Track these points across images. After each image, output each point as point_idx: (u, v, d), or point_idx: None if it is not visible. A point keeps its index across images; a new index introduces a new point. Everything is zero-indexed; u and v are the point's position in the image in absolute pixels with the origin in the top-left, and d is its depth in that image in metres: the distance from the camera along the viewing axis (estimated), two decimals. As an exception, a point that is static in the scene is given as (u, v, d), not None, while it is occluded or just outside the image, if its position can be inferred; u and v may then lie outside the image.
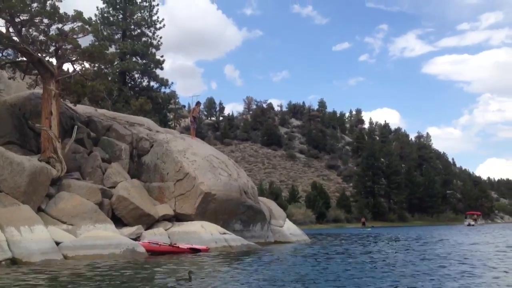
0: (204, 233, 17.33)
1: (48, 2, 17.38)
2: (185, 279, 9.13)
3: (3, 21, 17.12)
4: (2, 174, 14.65)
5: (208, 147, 22.76)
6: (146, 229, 17.37)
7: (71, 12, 18.15)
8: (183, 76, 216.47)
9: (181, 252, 15.77)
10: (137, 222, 17.33)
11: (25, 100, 19.55)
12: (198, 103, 25.05)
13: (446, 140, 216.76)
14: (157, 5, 47.24)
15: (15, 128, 18.61)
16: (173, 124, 76.91)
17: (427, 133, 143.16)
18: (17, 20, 17.17)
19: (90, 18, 18.56)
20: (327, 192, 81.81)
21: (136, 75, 45.75)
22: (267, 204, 23.50)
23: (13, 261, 12.56)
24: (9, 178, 14.68)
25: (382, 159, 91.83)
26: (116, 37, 45.45)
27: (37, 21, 17.57)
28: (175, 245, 16.13)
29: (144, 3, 46.72)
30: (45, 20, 17.69)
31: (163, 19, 46.76)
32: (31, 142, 18.81)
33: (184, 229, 17.65)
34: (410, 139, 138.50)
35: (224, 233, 17.86)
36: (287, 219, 24.20)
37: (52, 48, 18.63)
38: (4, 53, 18.59)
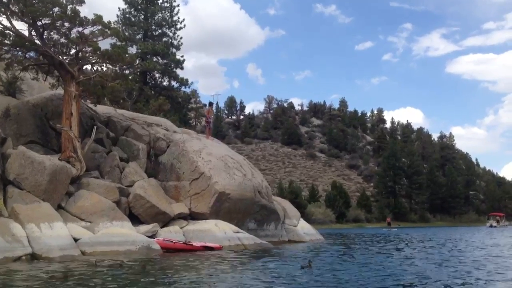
0: (218, 231, 17.73)
1: (69, 7, 17.93)
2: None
3: (26, 24, 17.77)
4: (23, 173, 15.30)
5: (223, 147, 23.15)
6: (162, 227, 17.85)
7: (93, 14, 18.76)
8: (206, 75, 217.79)
9: (195, 250, 16.19)
10: (153, 220, 17.81)
11: (47, 101, 20.21)
12: (210, 104, 25.45)
13: (470, 140, 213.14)
14: (178, 5, 47.97)
15: (37, 128, 19.27)
16: (194, 123, 77.76)
17: (450, 133, 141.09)
18: (39, 23, 17.80)
19: (109, 22, 19.00)
20: (347, 192, 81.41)
21: (157, 75, 46.40)
22: (282, 204, 23.79)
23: (33, 256, 13.17)
24: (30, 177, 15.31)
25: (403, 159, 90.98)
26: (137, 37, 46.21)
27: (58, 24, 18.19)
28: (189, 243, 16.57)
29: (165, 4, 47.44)
30: (66, 24, 18.30)
31: (183, 20, 47.43)
32: (53, 142, 19.44)
33: (199, 227, 18.09)
34: (432, 139, 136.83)
35: (238, 232, 18.24)
36: (301, 219, 24.44)
37: (72, 51, 19.28)
38: (27, 55, 19.21)
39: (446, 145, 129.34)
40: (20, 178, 15.26)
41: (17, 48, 18.34)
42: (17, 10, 17.27)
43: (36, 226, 13.97)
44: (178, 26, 47.32)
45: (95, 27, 18.86)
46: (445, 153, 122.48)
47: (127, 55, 20.36)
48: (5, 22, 17.30)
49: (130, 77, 40.09)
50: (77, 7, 18.28)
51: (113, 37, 19.62)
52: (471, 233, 39.13)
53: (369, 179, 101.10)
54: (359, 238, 29.20)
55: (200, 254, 15.54)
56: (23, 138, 18.48)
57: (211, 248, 16.41)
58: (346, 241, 25.41)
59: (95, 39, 19.03)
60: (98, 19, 18.57)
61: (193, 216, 19.09)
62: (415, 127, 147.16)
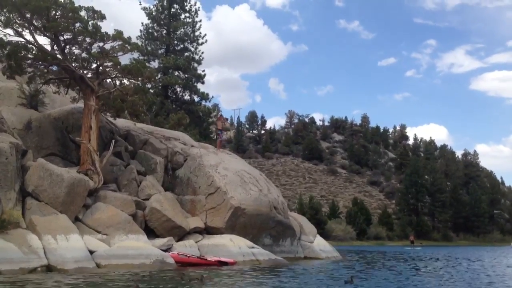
0: (233, 246, 17.70)
1: (90, 22, 18.32)
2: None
3: (48, 39, 18.20)
4: (42, 185, 15.53)
5: (240, 162, 23.18)
6: (177, 241, 17.90)
7: (114, 30, 19.14)
8: (228, 89, 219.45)
9: (209, 265, 16.17)
10: (169, 234, 17.88)
11: (68, 114, 20.58)
12: (220, 116, 25.66)
13: (495, 158, 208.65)
14: (200, 21, 48.42)
15: (58, 140, 19.61)
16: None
17: (475, 151, 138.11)
18: (61, 38, 18.23)
19: (129, 37, 19.34)
20: (369, 209, 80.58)
21: (178, 89, 46.82)
22: (298, 220, 23.64)
23: (48, 268, 13.31)
24: (48, 189, 15.53)
25: (426, 176, 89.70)
26: (159, 52, 46.83)
27: (79, 39, 18.58)
28: (203, 258, 16.57)
29: (188, 20, 47.99)
30: (87, 39, 18.65)
31: (205, 35, 47.84)
32: (73, 154, 19.74)
33: (214, 242, 18.09)
34: (456, 156, 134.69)
35: (252, 247, 18.18)
36: (318, 235, 24.21)
37: (93, 65, 19.64)
38: (49, 69, 19.62)
39: (470, 162, 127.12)
40: (38, 190, 15.48)
41: (40, 62, 18.77)
42: (40, 25, 17.71)
43: (52, 238, 14.14)
44: (200, 41, 47.75)
45: (115, 42, 19.20)
46: (469, 171, 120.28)
47: (146, 70, 20.62)
48: (28, 36, 17.79)
49: (151, 91, 40.94)
50: (99, 23, 18.68)
51: (132, 52, 19.80)
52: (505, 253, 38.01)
53: (390, 196, 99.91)
54: (385, 256, 28.49)
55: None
56: (43, 151, 18.81)
57: (225, 263, 16.37)
58: (374, 260, 24.46)
59: (115, 54, 19.36)
60: (118, 35, 18.92)
61: (208, 231, 19.11)
62: (439, 143, 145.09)
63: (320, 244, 23.51)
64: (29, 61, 18.57)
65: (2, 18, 17.15)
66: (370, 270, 17.35)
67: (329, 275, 14.96)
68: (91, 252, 14.78)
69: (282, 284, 11.77)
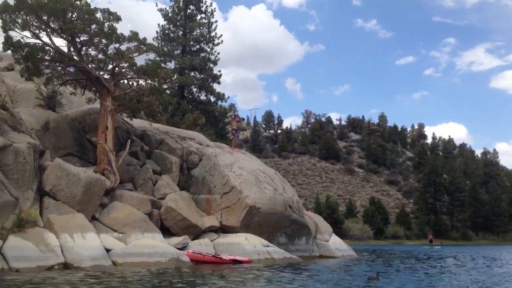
0: (248, 245, 17.78)
1: (106, 24, 18.54)
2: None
3: (65, 41, 18.48)
4: (59, 184, 15.78)
5: (255, 161, 23.23)
6: (192, 240, 18.04)
7: (129, 31, 19.37)
8: (245, 89, 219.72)
9: (224, 263, 16.25)
10: (184, 233, 18.02)
11: (85, 115, 20.86)
12: (234, 116, 25.75)
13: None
14: (216, 21, 48.64)
15: (75, 140, 19.91)
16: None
17: (494, 149, 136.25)
18: (77, 40, 18.49)
19: (144, 38, 19.53)
20: (386, 208, 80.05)
21: (194, 89, 47.11)
22: (313, 219, 23.61)
23: (65, 266, 13.53)
24: (65, 188, 15.78)
25: (445, 175, 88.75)
26: (176, 52, 47.17)
27: (96, 41, 18.81)
28: (218, 256, 16.66)
29: (203, 20, 48.24)
30: (103, 40, 18.88)
31: (221, 35, 48.04)
32: (90, 154, 20.02)
33: (229, 240, 18.19)
34: (476, 155, 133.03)
35: (267, 246, 18.24)
36: (333, 234, 24.15)
37: (109, 67, 19.87)
38: (65, 71, 19.91)
39: (489, 161, 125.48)
40: (55, 190, 15.73)
41: (57, 64, 19.06)
42: (56, 27, 17.99)
43: (69, 236, 14.34)
44: (216, 41, 47.95)
45: (131, 43, 19.41)
46: (488, 169, 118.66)
47: (162, 70, 20.81)
48: (45, 38, 18.09)
49: (168, 92, 41.25)
50: (114, 24, 18.90)
51: (148, 53, 19.99)
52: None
53: (408, 196, 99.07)
54: (405, 255, 28.10)
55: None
56: (61, 151, 19.11)
57: (240, 262, 16.44)
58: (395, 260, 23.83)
59: (131, 55, 19.56)
60: (134, 36, 19.13)
61: (223, 229, 19.21)
62: (458, 142, 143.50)
63: (335, 243, 23.45)
64: (46, 63, 18.88)
65: (20, 20, 17.47)
66: (390, 268, 17.29)
67: (348, 273, 15.00)
68: (108, 251, 14.96)
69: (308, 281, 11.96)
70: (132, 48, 19.57)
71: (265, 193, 19.40)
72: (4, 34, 17.96)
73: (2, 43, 18.32)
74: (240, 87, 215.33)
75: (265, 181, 20.11)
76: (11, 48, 18.26)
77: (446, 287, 11.95)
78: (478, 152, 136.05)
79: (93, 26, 18.30)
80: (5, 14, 17.30)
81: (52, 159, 17.06)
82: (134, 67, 19.63)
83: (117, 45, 19.32)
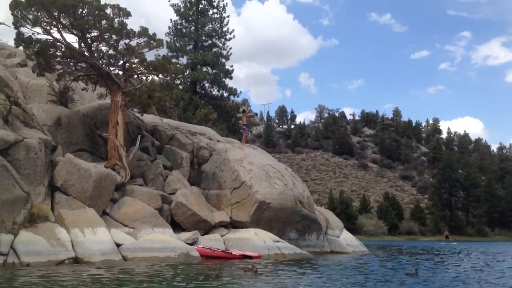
0: (258, 240, 17.76)
1: (116, 20, 18.59)
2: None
3: (76, 37, 18.57)
4: (70, 180, 15.91)
5: (265, 156, 23.17)
6: (203, 235, 18.08)
7: (139, 26, 19.40)
8: (258, 84, 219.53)
9: (233, 258, 16.26)
10: (195, 228, 18.07)
11: (96, 110, 20.97)
12: (243, 111, 25.67)
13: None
14: (228, 17, 48.59)
15: (87, 136, 20.02)
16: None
17: (510, 144, 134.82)
18: (88, 36, 18.56)
19: (154, 34, 19.54)
20: (400, 203, 79.49)
21: (206, 85, 47.15)
22: (324, 214, 23.52)
23: (76, 260, 13.64)
24: (76, 183, 15.90)
25: (460, 171, 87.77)
26: (188, 48, 47.23)
27: (106, 37, 18.87)
28: (227, 251, 16.68)
29: (215, 15, 48.24)
30: (114, 36, 18.94)
31: (233, 30, 47.98)
32: (101, 150, 20.12)
33: (239, 235, 18.20)
34: (491, 150, 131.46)
35: (277, 241, 18.21)
36: (344, 230, 24.04)
37: (120, 62, 19.94)
38: (77, 67, 20.03)
39: (505, 156, 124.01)
40: (67, 185, 15.85)
41: (68, 60, 19.17)
42: (67, 23, 18.08)
43: (80, 231, 14.46)
44: (228, 36, 47.93)
45: (141, 39, 19.44)
46: (504, 165, 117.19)
47: (172, 66, 20.83)
48: (56, 34, 18.19)
49: (180, 87, 41.31)
50: (124, 20, 18.93)
51: (158, 49, 20.00)
52: None
53: (423, 191, 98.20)
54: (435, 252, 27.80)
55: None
56: (73, 146, 19.23)
57: (249, 257, 16.43)
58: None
59: (141, 51, 19.60)
60: (144, 31, 19.15)
61: (234, 225, 19.23)
62: (474, 137, 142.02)
63: (346, 239, 23.35)
64: (58, 59, 19.00)
65: (31, 16, 17.62)
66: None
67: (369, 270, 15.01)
68: (118, 245, 15.04)
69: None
70: (142, 43, 19.60)
71: (275, 188, 19.36)
72: (16, 30, 18.13)
73: (14, 39, 18.47)
74: (253, 82, 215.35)
75: (275, 176, 20.07)
76: (23, 44, 18.45)
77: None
78: (494, 147, 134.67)
79: (103, 22, 18.34)
80: (17, 11, 17.44)
81: (64, 154, 17.20)
82: (145, 63, 19.67)
83: (127, 41, 19.36)
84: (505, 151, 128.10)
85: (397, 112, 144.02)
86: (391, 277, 12.39)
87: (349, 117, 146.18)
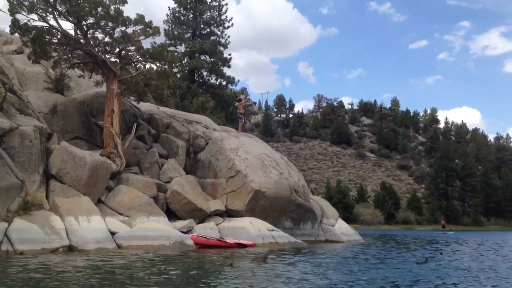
0: (252, 229, 17.82)
1: (112, 7, 18.46)
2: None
3: (72, 24, 18.46)
4: (65, 168, 15.91)
5: (261, 145, 23.18)
6: (198, 223, 18.11)
7: (135, 14, 19.28)
8: (257, 73, 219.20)
9: (228, 247, 16.32)
10: (190, 216, 18.10)
11: (92, 98, 20.91)
12: (239, 100, 25.63)
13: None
14: (226, 4, 48.22)
15: (83, 124, 20.00)
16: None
17: (507, 134, 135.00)
18: (83, 23, 18.44)
19: (150, 21, 19.41)
20: (397, 193, 79.81)
21: (204, 73, 46.93)
22: (319, 203, 23.58)
23: (70, 248, 13.65)
24: (71, 171, 15.89)
25: (457, 160, 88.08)
26: (186, 36, 46.94)
27: (102, 24, 18.75)
28: (222, 240, 16.74)
29: (214, 3, 47.88)
30: (110, 24, 18.81)
31: (231, 18, 47.64)
32: (97, 138, 20.09)
33: (234, 224, 18.26)
34: (488, 140, 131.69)
35: (272, 230, 18.26)
36: (339, 219, 24.12)
37: (116, 50, 19.83)
38: (73, 54, 19.92)
39: (502, 146, 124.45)
40: (62, 173, 15.85)
41: (64, 47, 19.06)
42: (63, 10, 17.96)
43: (74, 219, 14.45)
44: (226, 25, 47.61)
45: (137, 26, 19.32)
46: (501, 155, 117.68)
47: (168, 54, 20.75)
48: (52, 22, 18.06)
49: (178, 75, 41.17)
50: (120, 7, 18.78)
51: (154, 36, 19.88)
52: None
53: (420, 181, 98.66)
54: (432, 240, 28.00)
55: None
56: (68, 134, 19.23)
57: (244, 246, 16.50)
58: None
59: (137, 38, 19.50)
60: (140, 19, 19.03)
61: (229, 213, 19.28)
62: (471, 127, 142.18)
63: (341, 228, 23.44)
64: (54, 46, 18.89)
65: (27, 3, 17.48)
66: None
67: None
68: (113, 234, 15.05)
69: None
70: (139, 31, 19.48)
71: (270, 177, 19.39)
72: (11, 17, 18.00)
73: (10, 26, 18.37)
74: (252, 71, 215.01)
75: (271, 165, 20.09)
76: (18, 31, 18.33)
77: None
78: (491, 137, 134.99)
79: (99, 9, 18.21)
80: (12, -3, 17.31)
81: (60, 142, 17.17)
82: (141, 50, 19.59)
83: (123, 28, 19.24)
84: (502, 141, 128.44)
85: (395, 102, 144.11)
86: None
87: (347, 106, 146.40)
